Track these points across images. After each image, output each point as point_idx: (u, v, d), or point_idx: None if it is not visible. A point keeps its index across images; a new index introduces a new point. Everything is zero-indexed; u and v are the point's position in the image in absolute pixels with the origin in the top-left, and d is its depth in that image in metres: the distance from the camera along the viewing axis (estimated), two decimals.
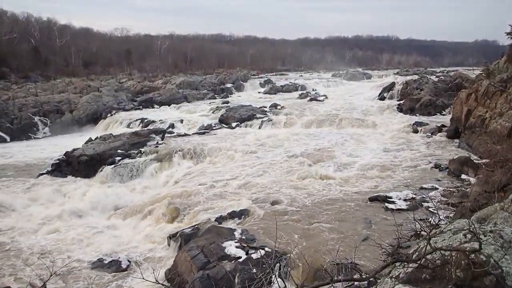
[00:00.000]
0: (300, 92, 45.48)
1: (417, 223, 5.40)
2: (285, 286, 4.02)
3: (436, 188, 13.21)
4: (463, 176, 14.25)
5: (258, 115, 28.71)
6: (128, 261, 10.63)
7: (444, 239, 3.42)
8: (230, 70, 75.83)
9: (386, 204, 11.94)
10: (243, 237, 9.97)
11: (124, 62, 66.68)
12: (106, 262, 10.65)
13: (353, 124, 25.87)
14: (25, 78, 46.02)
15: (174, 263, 9.67)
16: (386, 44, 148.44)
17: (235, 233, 10.22)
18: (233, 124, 27.33)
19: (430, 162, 16.49)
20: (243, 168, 16.91)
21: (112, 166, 18.39)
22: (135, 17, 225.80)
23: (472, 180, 13.33)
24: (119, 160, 18.86)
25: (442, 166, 15.82)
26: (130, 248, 11.56)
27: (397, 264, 3.49)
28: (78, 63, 59.48)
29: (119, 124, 30.70)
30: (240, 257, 9.04)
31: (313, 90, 47.61)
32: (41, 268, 9.28)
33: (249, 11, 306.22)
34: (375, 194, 12.86)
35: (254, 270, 7.93)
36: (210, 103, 37.95)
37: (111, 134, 23.14)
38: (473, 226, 3.29)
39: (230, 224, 11.26)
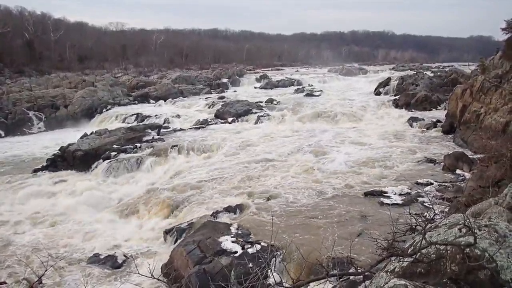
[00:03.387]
0: (296, 87, 45.45)
1: (412, 217, 5.41)
2: (281, 280, 4.03)
3: (431, 183, 13.25)
4: (458, 171, 14.31)
5: (254, 110, 28.64)
6: (124, 256, 10.60)
7: (439, 234, 3.44)
8: (226, 65, 75.68)
9: (382, 199, 11.98)
10: (239, 232, 9.98)
11: (119, 57, 66.39)
12: (101, 257, 10.62)
13: (349, 119, 25.90)
14: (19, 72, 45.72)
15: (170, 258, 9.67)
16: (382, 40, 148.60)
17: (231, 228, 10.23)
18: (229, 119, 27.24)
19: (425, 157, 16.53)
20: (238, 163, 16.89)
21: (108, 161, 18.32)
22: (130, 12, 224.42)
23: (467, 175, 13.40)
24: (115, 155, 18.79)
25: (437, 161, 15.88)
26: (126, 243, 11.55)
27: (393, 258, 3.51)
28: (73, 58, 59.12)
29: (115, 119, 30.56)
30: (236, 252, 9.06)
31: (309, 85, 47.61)
32: (36, 263, 9.25)
33: (245, 6, 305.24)
34: (370, 189, 12.91)
35: (250, 265, 7.95)
36: (206, 98, 37.80)
37: (106, 129, 23.04)
38: (468, 220, 3.30)
39: (226, 219, 11.25)
